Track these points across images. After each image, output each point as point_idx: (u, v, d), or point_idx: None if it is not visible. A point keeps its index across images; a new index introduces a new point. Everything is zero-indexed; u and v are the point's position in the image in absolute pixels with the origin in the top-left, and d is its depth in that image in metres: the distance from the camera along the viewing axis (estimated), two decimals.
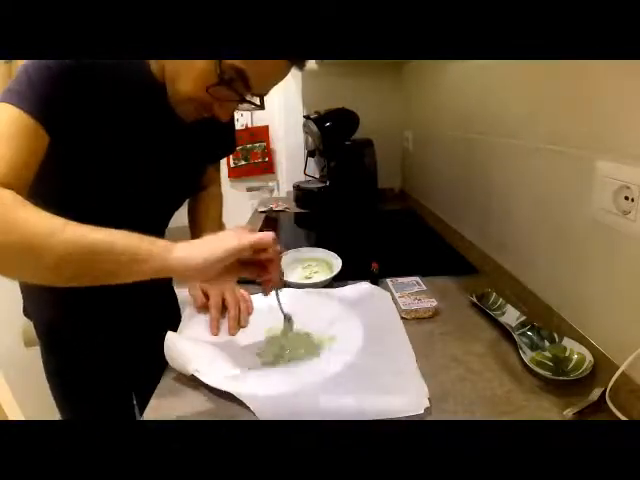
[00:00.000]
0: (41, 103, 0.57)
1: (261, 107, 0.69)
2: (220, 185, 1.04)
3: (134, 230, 0.57)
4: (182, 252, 0.58)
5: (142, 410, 0.61)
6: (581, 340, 0.69)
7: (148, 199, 0.78)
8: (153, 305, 0.96)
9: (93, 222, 0.54)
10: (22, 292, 0.87)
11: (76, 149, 0.64)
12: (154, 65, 0.68)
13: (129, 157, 0.70)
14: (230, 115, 0.70)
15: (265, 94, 0.68)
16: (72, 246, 0.52)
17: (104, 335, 0.86)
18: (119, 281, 0.56)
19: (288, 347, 0.74)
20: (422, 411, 0.57)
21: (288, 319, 0.76)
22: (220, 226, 1.01)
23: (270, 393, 0.62)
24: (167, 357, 0.68)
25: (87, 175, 0.68)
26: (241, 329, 0.80)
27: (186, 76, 0.63)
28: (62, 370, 0.86)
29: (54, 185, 0.66)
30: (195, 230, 0.95)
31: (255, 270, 0.64)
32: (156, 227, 0.88)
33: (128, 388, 0.95)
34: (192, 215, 0.98)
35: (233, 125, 0.96)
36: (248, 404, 0.59)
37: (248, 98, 0.66)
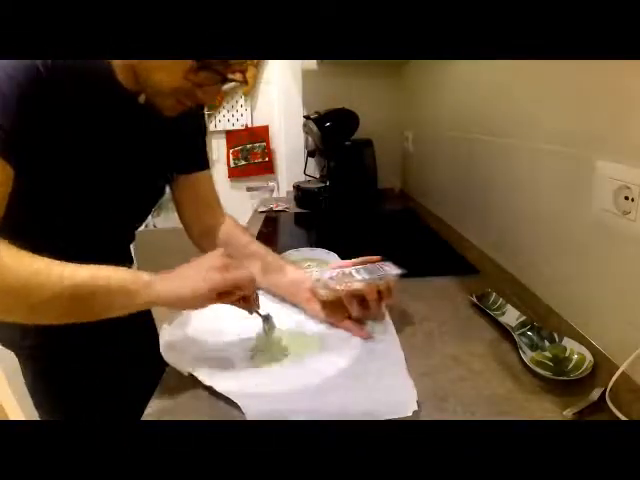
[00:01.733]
0: (6, 135, 0.53)
1: (245, 82, 0.69)
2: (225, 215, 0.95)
3: (102, 240, 0.59)
4: (166, 288, 0.60)
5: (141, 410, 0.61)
6: (581, 340, 0.69)
7: (118, 205, 0.77)
8: (133, 324, 0.92)
9: (62, 237, 0.57)
10: None
11: (44, 166, 0.62)
12: (120, 68, 0.64)
13: (97, 164, 0.68)
14: (214, 99, 0.69)
15: (245, 69, 0.67)
16: (59, 288, 0.53)
17: (91, 355, 0.82)
18: (106, 317, 0.58)
19: (281, 347, 0.74)
20: (410, 414, 0.56)
21: (266, 319, 0.75)
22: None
23: (260, 393, 0.62)
24: (162, 353, 0.69)
25: (56, 190, 0.66)
26: (235, 329, 0.79)
27: (162, 68, 0.61)
28: (51, 394, 0.83)
29: (21, 203, 0.60)
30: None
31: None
32: (124, 237, 0.89)
33: (121, 403, 0.87)
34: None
35: (204, 139, 0.90)
36: (238, 403, 0.59)
37: (230, 76, 0.64)
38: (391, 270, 0.77)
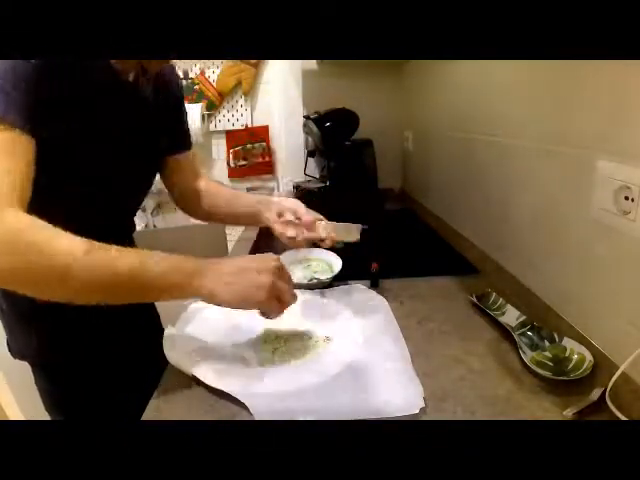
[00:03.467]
0: (26, 110, 0.55)
1: None
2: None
3: (102, 225, 0.60)
4: (210, 284, 0.60)
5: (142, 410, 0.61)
6: (581, 340, 0.69)
7: (114, 184, 0.77)
8: (136, 325, 0.94)
9: (73, 214, 0.55)
10: (5, 328, 0.84)
11: (51, 144, 0.62)
12: None
13: (96, 143, 0.69)
14: None
15: None
16: (97, 272, 0.52)
17: (95, 358, 0.84)
18: (146, 301, 0.60)
19: (286, 346, 0.74)
20: (417, 411, 0.57)
21: None
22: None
23: (267, 392, 0.62)
24: (166, 354, 0.69)
25: (54, 170, 0.65)
26: (238, 329, 0.80)
27: None
28: (58, 394, 0.85)
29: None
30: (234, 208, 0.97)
31: None
32: (124, 223, 0.91)
33: (127, 403, 0.93)
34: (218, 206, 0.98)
35: (186, 121, 0.97)
36: (245, 403, 0.59)
37: None
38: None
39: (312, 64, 1.87)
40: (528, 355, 0.68)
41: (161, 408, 0.61)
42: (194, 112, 1.88)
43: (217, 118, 2.05)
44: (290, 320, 0.80)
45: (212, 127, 2.06)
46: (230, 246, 1.87)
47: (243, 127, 2.05)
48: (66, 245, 0.52)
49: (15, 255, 0.49)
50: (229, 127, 2.06)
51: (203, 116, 1.95)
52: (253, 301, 0.62)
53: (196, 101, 1.98)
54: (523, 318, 0.78)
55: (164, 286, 0.57)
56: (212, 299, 0.61)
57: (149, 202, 2.18)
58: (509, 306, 0.83)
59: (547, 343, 0.72)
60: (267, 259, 0.66)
